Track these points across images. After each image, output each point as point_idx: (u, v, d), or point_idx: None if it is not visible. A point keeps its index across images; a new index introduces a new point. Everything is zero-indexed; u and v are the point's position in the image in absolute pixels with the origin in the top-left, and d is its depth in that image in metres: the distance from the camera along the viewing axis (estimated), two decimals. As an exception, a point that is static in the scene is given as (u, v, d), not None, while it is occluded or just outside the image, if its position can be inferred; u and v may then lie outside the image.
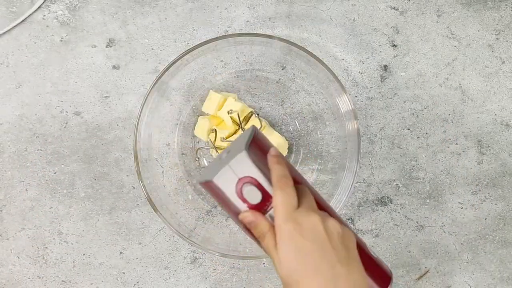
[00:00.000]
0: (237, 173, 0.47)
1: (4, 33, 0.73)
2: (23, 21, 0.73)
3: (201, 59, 0.69)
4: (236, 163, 0.47)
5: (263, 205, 0.47)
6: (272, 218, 0.47)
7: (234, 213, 0.49)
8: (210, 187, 0.48)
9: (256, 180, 0.47)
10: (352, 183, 0.66)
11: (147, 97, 0.66)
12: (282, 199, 0.45)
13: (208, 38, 0.74)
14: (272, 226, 0.47)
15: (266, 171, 0.48)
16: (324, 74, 0.67)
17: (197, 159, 0.73)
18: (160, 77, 0.66)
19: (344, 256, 0.45)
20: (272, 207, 0.47)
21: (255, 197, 0.47)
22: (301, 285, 0.43)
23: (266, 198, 0.47)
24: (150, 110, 0.67)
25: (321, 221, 0.45)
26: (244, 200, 0.47)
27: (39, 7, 0.73)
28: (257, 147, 0.50)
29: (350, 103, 0.66)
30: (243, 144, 0.48)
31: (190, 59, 0.68)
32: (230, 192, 0.47)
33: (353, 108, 0.67)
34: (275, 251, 0.46)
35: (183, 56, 0.66)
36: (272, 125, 0.73)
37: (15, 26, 0.73)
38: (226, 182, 0.47)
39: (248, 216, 0.47)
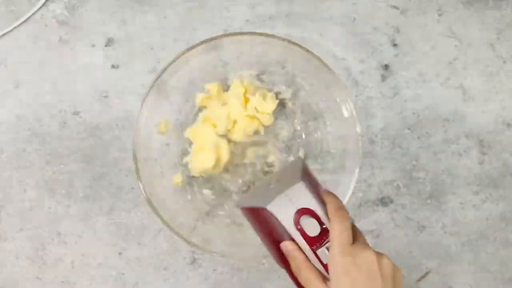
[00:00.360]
0: (295, 203, 0.47)
1: (4, 34, 0.73)
2: (23, 21, 0.73)
3: (201, 57, 0.69)
4: (294, 193, 0.47)
5: (319, 239, 0.48)
6: (326, 252, 0.47)
7: (278, 242, 0.48)
8: (257, 213, 0.48)
9: (315, 213, 0.47)
10: (352, 183, 0.66)
11: (146, 97, 0.66)
12: (340, 232, 0.46)
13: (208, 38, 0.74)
14: (308, 261, 0.48)
15: (320, 204, 0.48)
16: (325, 74, 0.67)
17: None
18: (159, 76, 0.66)
19: None
20: (328, 241, 0.47)
21: (314, 229, 0.47)
22: None
23: (324, 232, 0.48)
24: (149, 109, 0.67)
25: (376, 257, 0.46)
26: (302, 232, 0.47)
27: (40, 8, 0.73)
28: (309, 178, 0.50)
29: (351, 103, 0.66)
30: (298, 175, 0.48)
31: (190, 58, 0.67)
32: (286, 221, 0.47)
33: (354, 108, 0.66)
34: (320, 284, 0.46)
35: (183, 54, 0.65)
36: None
37: (16, 27, 0.73)
38: (283, 211, 0.47)
39: (289, 245, 0.48)
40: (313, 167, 0.72)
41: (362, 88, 0.74)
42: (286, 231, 0.47)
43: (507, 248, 0.74)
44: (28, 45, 0.73)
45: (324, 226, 0.48)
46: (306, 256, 0.48)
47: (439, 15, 0.75)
